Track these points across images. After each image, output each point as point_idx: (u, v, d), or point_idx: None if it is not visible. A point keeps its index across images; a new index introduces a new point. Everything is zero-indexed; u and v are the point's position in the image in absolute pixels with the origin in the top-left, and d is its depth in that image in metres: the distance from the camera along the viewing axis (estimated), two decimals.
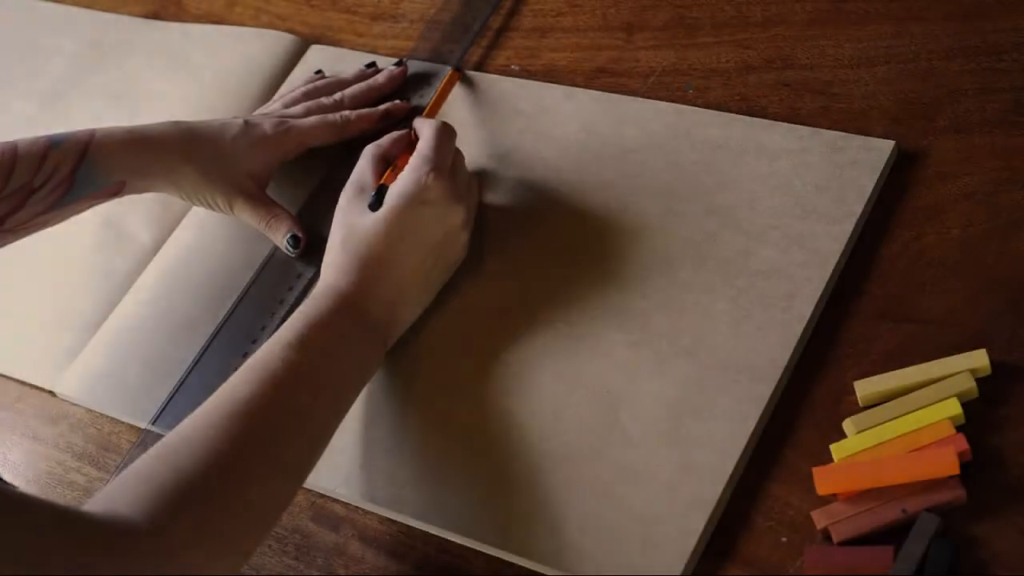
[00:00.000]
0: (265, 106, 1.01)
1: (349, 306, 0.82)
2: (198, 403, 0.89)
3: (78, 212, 0.92)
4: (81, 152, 0.90)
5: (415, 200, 0.85)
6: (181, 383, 0.91)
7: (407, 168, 0.87)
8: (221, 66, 1.09)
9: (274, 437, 0.75)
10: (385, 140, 0.92)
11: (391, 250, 0.84)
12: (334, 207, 0.89)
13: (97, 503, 0.70)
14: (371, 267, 0.83)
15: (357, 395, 0.82)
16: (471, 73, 1.00)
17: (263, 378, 0.76)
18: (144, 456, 0.73)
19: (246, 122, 0.95)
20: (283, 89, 1.06)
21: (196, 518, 0.70)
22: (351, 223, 0.85)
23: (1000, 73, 0.87)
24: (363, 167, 0.90)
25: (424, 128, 0.90)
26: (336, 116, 0.97)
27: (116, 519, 0.68)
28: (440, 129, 0.89)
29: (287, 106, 0.99)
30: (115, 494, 0.70)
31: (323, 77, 1.03)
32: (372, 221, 0.85)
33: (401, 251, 0.84)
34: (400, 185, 0.86)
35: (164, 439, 0.74)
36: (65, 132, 0.91)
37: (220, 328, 0.92)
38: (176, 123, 0.94)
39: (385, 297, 0.84)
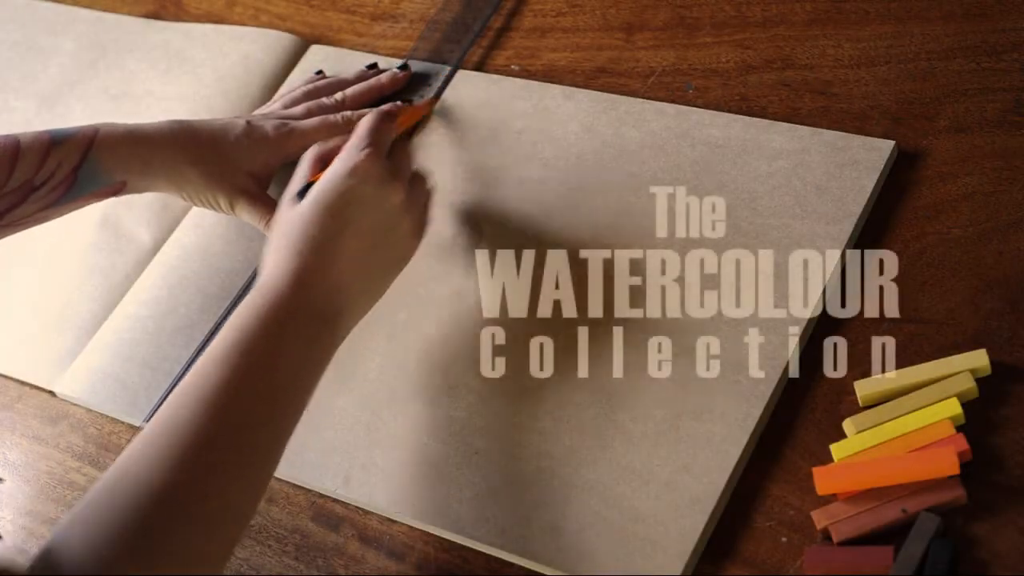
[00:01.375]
0: (265, 106, 1.01)
1: (283, 300, 0.77)
2: None
3: (77, 208, 0.92)
4: (84, 151, 0.90)
5: (345, 177, 0.82)
6: (176, 381, 0.91)
7: (340, 152, 0.85)
8: (221, 66, 1.09)
9: (217, 466, 0.70)
10: (332, 140, 0.90)
11: (324, 231, 0.80)
12: None
13: (47, 555, 0.67)
14: (305, 253, 0.79)
15: (310, 392, 0.77)
16: (471, 73, 1.00)
17: (197, 401, 0.72)
18: (87, 498, 0.69)
19: (248, 123, 0.95)
20: (283, 89, 1.06)
21: (139, 562, 0.66)
22: (285, 218, 0.82)
23: (1000, 73, 0.87)
24: (300, 167, 0.88)
25: (363, 118, 0.88)
26: (337, 116, 0.97)
27: None
28: (377, 114, 0.88)
29: (287, 106, 0.99)
30: (62, 546, 0.67)
31: (324, 77, 1.03)
32: (303, 206, 0.81)
33: (335, 231, 0.80)
34: (332, 167, 0.83)
35: (106, 474, 0.70)
36: (68, 128, 0.91)
37: (217, 327, 0.92)
38: (179, 123, 0.94)
39: (324, 283, 0.79)
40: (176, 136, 0.93)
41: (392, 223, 0.84)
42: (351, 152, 0.84)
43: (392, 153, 0.87)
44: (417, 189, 0.88)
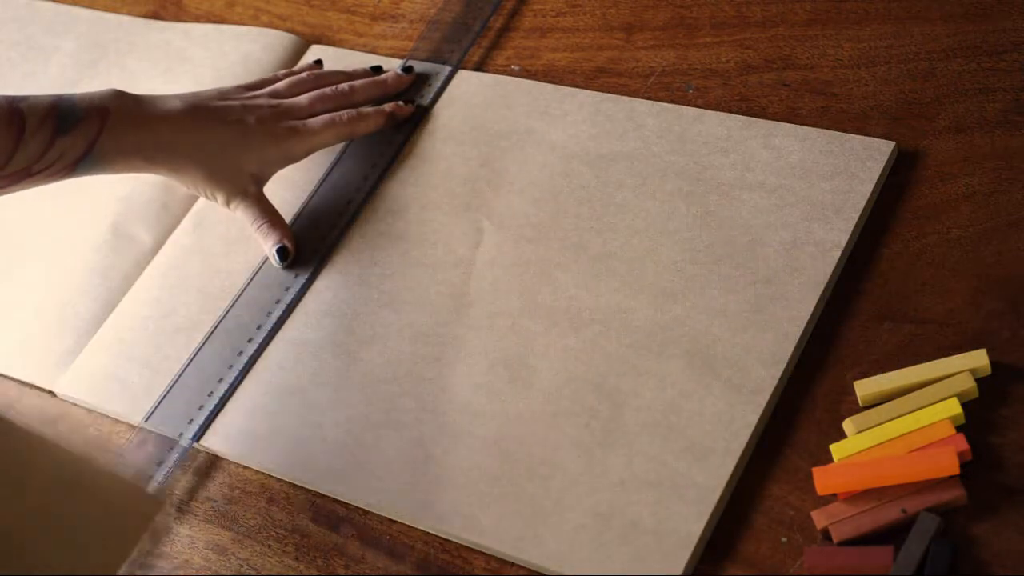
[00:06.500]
0: (267, 88, 1.00)
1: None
2: (191, 401, 0.89)
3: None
4: (90, 143, 0.89)
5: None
6: (176, 381, 0.91)
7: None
8: (221, 66, 1.09)
9: None
10: None
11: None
12: (330, 212, 0.88)
13: None
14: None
15: None
16: (471, 73, 1.00)
17: None
18: None
19: (258, 121, 0.94)
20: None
21: None
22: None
23: (1000, 73, 0.87)
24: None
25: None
26: (343, 116, 0.96)
27: None
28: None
29: (291, 87, 0.98)
30: None
31: (322, 67, 1.02)
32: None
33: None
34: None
35: None
36: (77, 107, 0.90)
37: (216, 327, 0.92)
38: (194, 110, 0.93)
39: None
40: (189, 128, 0.92)
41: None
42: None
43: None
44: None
